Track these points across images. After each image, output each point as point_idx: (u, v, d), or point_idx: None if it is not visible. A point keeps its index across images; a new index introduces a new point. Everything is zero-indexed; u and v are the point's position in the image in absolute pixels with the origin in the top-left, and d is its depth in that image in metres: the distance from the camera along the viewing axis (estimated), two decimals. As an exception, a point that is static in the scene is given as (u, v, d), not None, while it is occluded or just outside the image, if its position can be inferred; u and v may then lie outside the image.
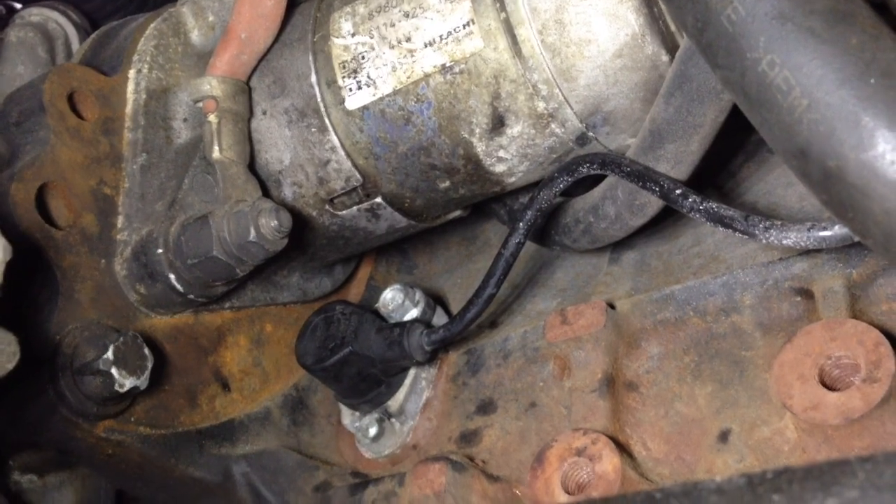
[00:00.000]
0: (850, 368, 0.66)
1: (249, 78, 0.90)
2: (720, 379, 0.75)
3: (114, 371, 0.76)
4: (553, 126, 0.81)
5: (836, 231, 0.66)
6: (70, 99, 0.86)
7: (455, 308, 1.03)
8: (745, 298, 0.77)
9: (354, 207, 0.90)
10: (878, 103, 0.52)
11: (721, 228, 0.71)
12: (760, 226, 0.69)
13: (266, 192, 0.89)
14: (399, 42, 0.83)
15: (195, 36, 0.95)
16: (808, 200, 0.83)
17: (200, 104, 0.87)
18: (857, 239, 0.58)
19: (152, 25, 0.92)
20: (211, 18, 0.95)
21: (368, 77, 0.84)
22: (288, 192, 0.90)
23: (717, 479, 0.41)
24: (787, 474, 0.39)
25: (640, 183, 0.77)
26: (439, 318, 0.98)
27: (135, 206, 0.86)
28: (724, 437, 0.72)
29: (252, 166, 0.89)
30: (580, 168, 0.81)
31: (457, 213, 0.97)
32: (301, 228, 0.91)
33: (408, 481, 0.83)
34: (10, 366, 0.64)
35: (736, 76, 0.57)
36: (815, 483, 0.39)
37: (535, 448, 0.80)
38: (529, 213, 0.84)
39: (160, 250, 0.82)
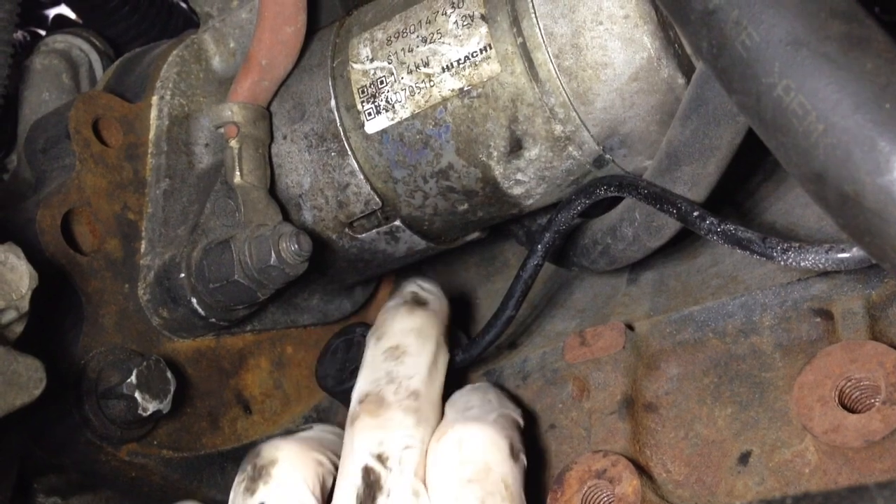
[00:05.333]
0: (870, 390, 0.66)
1: (270, 103, 0.91)
2: (740, 401, 0.75)
3: (137, 395, 0.77)
4: (570, 149, 0.81)
5: (855, 253, 0.66)
6: (95, 126, 0.87)
7: (474, 329, 1.04)
8: (764, 319, 0.77)
9: (374, 230, 0.90)
10: (894, 128, 0.52)
11: (739, 250, 0.71)
12: (778, 248, 0.69)
13: (287, 216, 0.90)
14: (417, 67, 0.84)
15: (216, 62, 0.96)
16: (827, 220, 0.82)
17: (222, 130, 0.88)
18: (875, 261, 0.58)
19: (175, 52, 0.94)
20: (232, 45, 0.96)
21: (387, 102, 0.85)
22: (308, 216, 0.91)
23: (736, 506, 0.41)
24: (806, 501, 0.39)
25: (658, 205, 0.77)
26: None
27: (157, 230, 0.87)
28: (744, 459, 0.72)
29: (273, 190, 0.90)
30: (598, 190, 0.82)
31: (475, 234, 0.98)
32: (321, 251, 0.91)
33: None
34: (37, 392, 0.65)
35: (751, 101, 0.58)
36: (835, 510, 0.39)
37: (555, 470, 0.80)
38: (548, 234, 0.84)
39: (182, 275, 0.83)
